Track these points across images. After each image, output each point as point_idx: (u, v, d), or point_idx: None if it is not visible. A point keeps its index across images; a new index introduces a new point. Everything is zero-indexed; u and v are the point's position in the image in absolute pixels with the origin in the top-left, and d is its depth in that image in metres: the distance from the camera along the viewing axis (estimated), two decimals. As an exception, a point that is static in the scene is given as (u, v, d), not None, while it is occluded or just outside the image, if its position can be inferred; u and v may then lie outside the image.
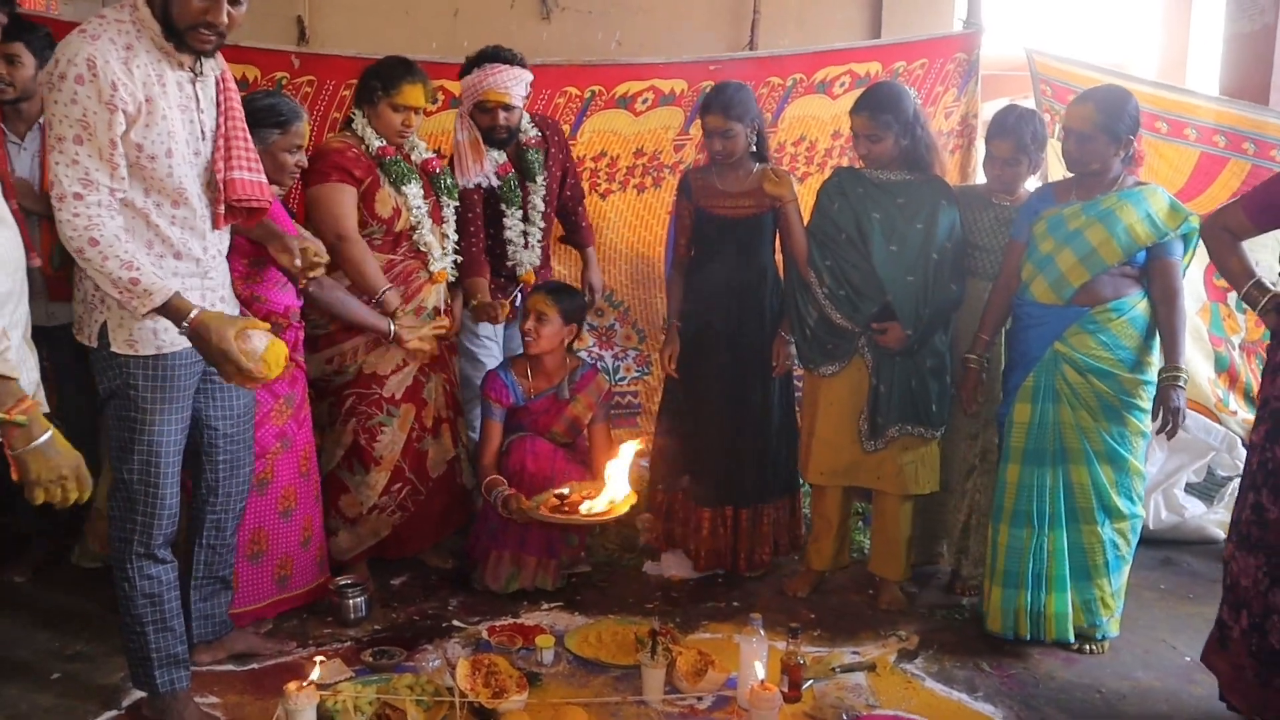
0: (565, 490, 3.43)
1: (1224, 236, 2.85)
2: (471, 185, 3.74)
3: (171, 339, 2.52)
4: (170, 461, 2.62)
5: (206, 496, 2.89)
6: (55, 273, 3.35)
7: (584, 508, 3.34)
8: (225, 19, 2.42)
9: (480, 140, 3.72)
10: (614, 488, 3.36)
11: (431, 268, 3.56)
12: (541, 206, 3.90)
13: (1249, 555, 2.69)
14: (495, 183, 3.78)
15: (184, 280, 2.53)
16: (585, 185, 4.51)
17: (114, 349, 2.51)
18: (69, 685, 2.97)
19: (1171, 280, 3.10)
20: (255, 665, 3.09)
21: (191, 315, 2.39)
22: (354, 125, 3.48)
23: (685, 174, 3.82)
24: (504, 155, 3.81)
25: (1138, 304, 3.11)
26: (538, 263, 3.95)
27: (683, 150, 4.57)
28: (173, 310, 2.39)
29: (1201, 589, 3.78)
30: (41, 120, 3.15)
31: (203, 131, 2.54)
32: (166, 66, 2.44)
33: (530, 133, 3.87)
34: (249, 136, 2.66)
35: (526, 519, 3.42)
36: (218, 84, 2.60)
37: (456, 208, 3.69)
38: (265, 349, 2.47)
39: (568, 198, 4.06)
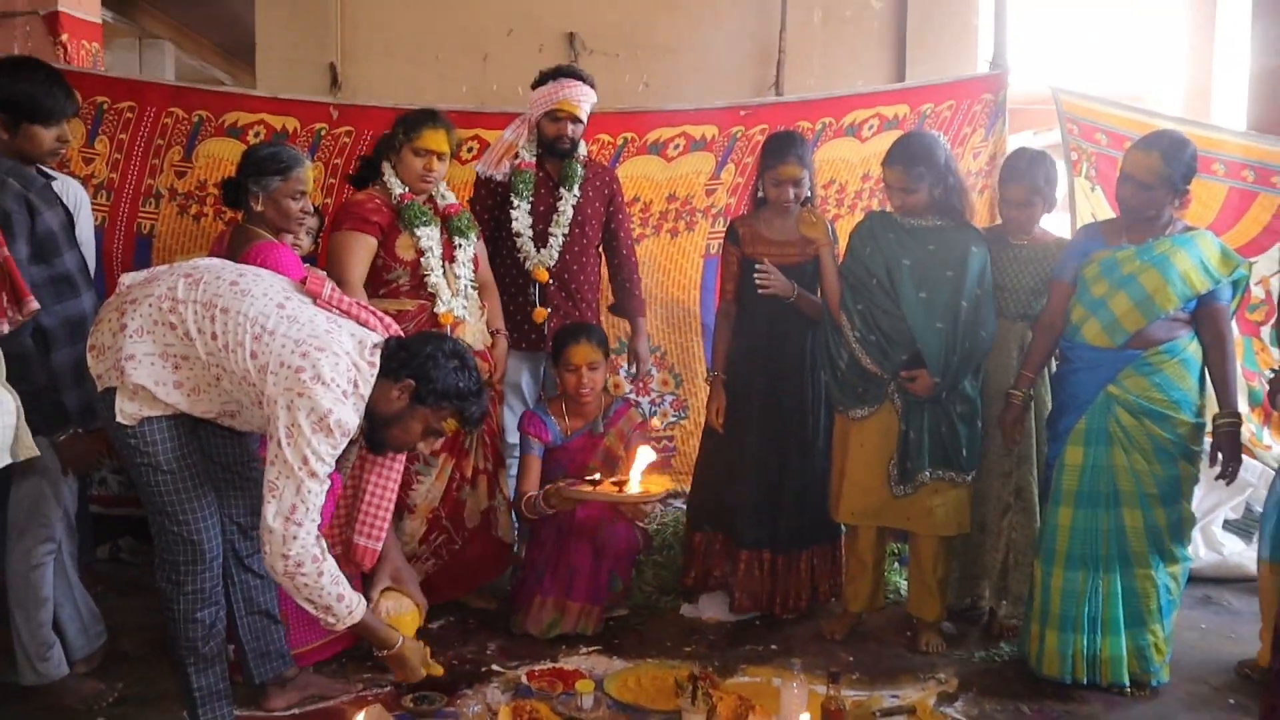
0: (595, 477, 3.49)
1: None
2: (499, 177, 3.87)
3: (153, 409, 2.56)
4: (203, 506, 2.67)
5: (230, 533, 2.89)
6: None
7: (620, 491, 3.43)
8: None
9: (518, 146, 3.88)
10: (642, 475, 3.47)
11: (436, 310, 3.53)
12: (570, 214, 3.91)
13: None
14: (507, 176, 3.88)
15: None
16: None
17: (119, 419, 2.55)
18: (115, 732, 2.99)
19: (1221, 325, 3.11)
20: (296, 710, 3.08)
21: (398, 645, 2.75)
22: (383, 176, 3.56)
23: (732, 222, 3.81)
24: (533, 155, 3.90)
25: (1189, 346, 3.12)
26: (551, 261, 3.91)
27: (714, 195, 4.61)
28: (378, 636, 2.73)
29: (1243, 628, 3.75)
30: None
31: None
32: None
33: (581, 151, 3.98)
34: (390, 504, 2.96)
35: (567, 504, 3.48)
36: None
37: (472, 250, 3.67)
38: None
39: (616, 247, 4.08)
